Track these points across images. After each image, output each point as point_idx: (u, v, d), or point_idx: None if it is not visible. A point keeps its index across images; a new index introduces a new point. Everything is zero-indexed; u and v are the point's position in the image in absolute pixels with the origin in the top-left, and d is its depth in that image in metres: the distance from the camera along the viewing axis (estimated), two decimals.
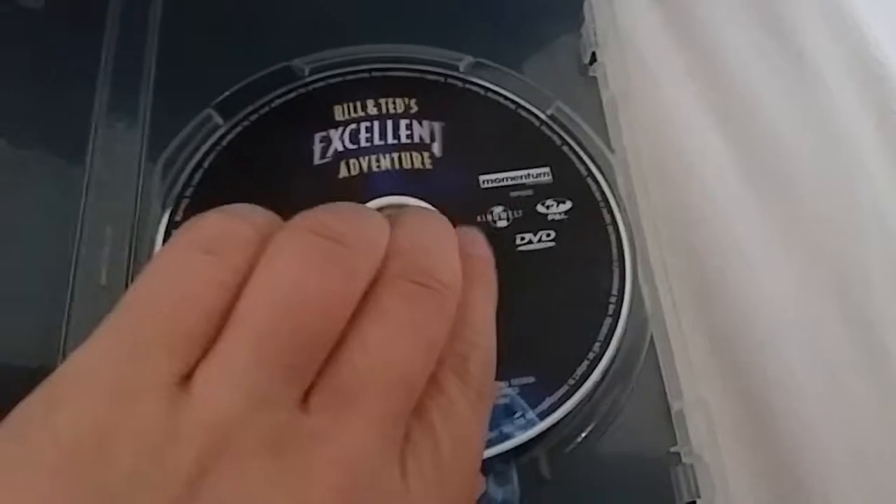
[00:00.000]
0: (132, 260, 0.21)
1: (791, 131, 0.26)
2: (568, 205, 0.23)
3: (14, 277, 0.21)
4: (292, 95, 0.24)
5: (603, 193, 0.23)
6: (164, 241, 0.21)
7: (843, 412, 0.21)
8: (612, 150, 0.24)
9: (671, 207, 0.24)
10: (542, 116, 0.24)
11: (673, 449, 0.20)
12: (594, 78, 0.25)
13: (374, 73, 0.25)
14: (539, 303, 0.21)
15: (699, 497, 0.19)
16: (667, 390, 0.20)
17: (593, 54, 0.25)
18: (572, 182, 0.23)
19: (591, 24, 0.26)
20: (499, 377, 0.15)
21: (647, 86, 0.26)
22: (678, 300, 0.21)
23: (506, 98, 0.25)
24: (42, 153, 0.23)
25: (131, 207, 0.22)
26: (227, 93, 0.24)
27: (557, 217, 0.23)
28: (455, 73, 0.25)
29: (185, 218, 0.22)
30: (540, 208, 0.23)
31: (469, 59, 0.25)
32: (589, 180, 0.23)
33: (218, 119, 0.24)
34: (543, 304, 0.21)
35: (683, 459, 0.19)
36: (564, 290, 0.21)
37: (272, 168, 0.23)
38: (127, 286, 0.20)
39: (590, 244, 0.22)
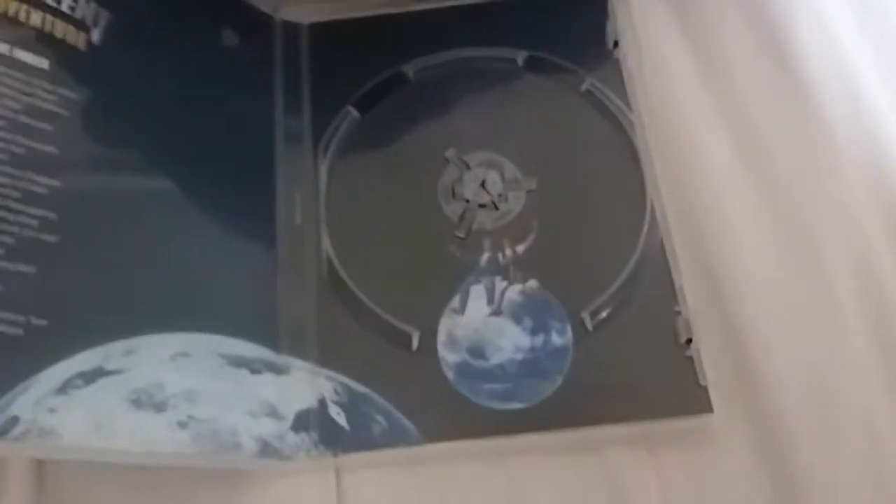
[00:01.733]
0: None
1: (784, 134, 0.33)
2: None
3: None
4: None
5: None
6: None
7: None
8: (630, 111, 0.34)
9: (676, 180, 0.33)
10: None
11: (675, 308, 0.30)
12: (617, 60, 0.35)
13: None
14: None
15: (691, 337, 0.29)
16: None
17: (615, 42, 0.35)
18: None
19: (613, 19, 0.35)
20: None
21: (656, 76, 0.35)
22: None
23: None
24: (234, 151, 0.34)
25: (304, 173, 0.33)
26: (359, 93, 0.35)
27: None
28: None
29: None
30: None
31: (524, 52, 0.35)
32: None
33: (354, 113, 0.35)
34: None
35: (679, 309, 0.30)
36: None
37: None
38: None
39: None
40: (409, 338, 0.30)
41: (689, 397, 0.28)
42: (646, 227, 0.31)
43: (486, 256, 0.31)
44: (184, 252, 0.29)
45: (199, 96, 0.32)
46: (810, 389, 0.29)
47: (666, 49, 0.36)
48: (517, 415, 0.28)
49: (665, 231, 0.31)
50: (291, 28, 0.37)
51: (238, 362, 0.28)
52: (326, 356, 0.30)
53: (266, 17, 0.36)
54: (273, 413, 0.28)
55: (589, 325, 0.30)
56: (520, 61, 0.36)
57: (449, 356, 0.30)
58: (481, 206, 0.33)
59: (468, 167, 0.34)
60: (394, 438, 0.28)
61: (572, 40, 0.36)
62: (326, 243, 0.32)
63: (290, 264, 0.32)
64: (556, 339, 0.29)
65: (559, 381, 0.29)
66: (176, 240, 0.29)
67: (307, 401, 0.29)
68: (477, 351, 0.30)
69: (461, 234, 0.32)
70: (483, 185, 0.33)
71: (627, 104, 0.34)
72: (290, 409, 0.29)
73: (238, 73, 0.34)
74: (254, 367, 0.29)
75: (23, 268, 0.24)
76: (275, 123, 0.34)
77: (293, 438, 0.28)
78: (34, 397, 0.23)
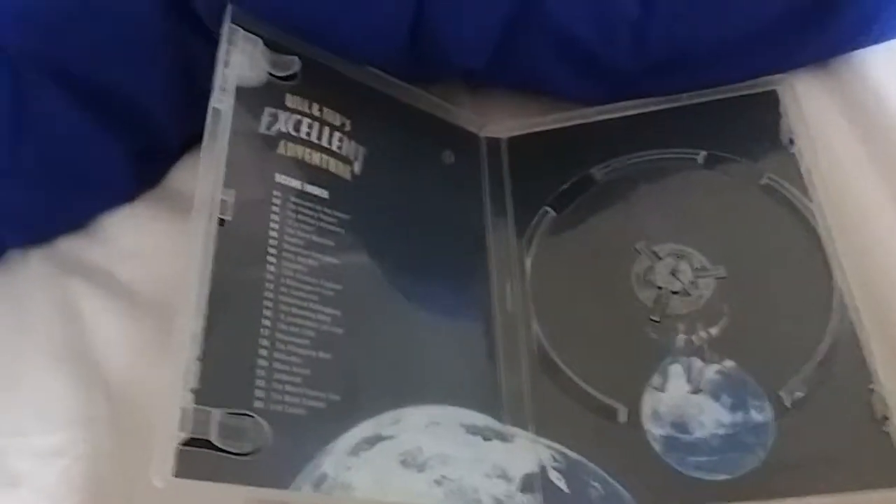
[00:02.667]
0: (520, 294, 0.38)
1: None
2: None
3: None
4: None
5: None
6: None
7: None
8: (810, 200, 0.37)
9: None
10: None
11: (870, 385, 0.32)
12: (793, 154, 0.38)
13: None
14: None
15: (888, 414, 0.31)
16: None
17: (790, 139, 0.39)
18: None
19: (787, 116, 0.39)
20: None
21: (831, 167, 0.38)
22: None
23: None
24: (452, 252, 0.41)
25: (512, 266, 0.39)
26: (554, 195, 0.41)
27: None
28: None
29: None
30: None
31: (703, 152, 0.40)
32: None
33: (551, 212, 0.40)
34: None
35: (874, 387, 0.32)
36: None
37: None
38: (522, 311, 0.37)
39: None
40: (616, 412, 0.35)
41: (888, 470, 0.30)
42: (835, 309, 0.34)
43: (681, 338, 0.35)
44: (429, 339, 0.35)
45: (428, 208, 0.39)
46: None
47: (836, 139, 0.39)
48: (724, 485, 0.31)
49: (855, 312, 0.34)
50: (493, 143, 0.43)
51: (474, 430, 0.34)
52: (543, 426, 0.35)
53: (473, 136, 0.43)
54: (504, 475, 0.33)
55: (787, 403, 0.32)
56: (700, 159, 0.40)
57: (654, 429, 0.34)
58: (674, 292, 0.37)
59: (658, 257, 0.38)
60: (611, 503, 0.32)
61: (748, 138, 0.40)
62: (536, 327, 0.38)
63: (507, 346, 0.37)
64: (756, 416, 0.32)
65: (762, 454, 0.32)
66: (421, 329, 0.35)
67: (530, 465, 0.34)
68: (680, 425, 0.33)
69: (656, 318, 0.36)
70: (674, 273, 0.37)
71: (807, 195, 0.37)
72: (517, 473, 0.34)
73: (455, 185, 0.41)
74: (485, 434, 0.34)
75: (322, 355, 0.31)
76: (485, 226, 0.41)
77: (521, 499, 0.33)
78: (335, 458, 0.29)
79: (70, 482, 0.32)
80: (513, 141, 0.44)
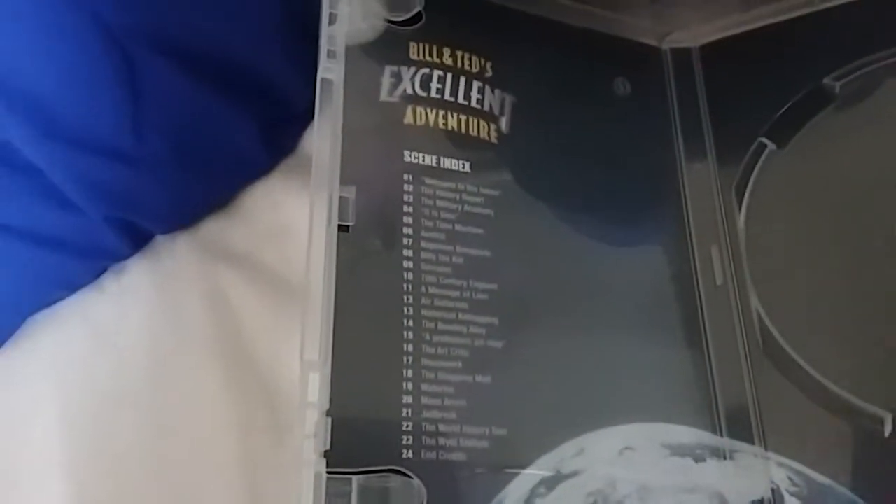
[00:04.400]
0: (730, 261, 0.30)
1: None
2: None
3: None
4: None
5: None
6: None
7: None
8: None
9: None
10: None
11: None
12: None
13: None
14: None
15: None
16: None
17: None
18: None
19: None
20: None
21: None
22: None
23: None
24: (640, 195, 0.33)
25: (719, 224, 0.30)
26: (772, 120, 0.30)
27: None
28: None
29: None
30: None
31: None
32: None
33: (771, 145, 0.30)
34: None
35: None
36: None
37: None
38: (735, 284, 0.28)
39: None
40: (880, 421, 0.26)
41: None
42: None
43: None
44: (610, 340, 0.28)
45: (601, 162, 0.31)
46: None
47: None
48: None
49: None
50: (682, 55, 0.33)
51: (681, 451, 0.27)
52: (774, 438, 0.27)
53: (653, 51, 0.34)
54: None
55: None
56: None
57: None
58: None
59: None
60: None
61: None
62: (756, 303, 0.29)
63: (718, 333, 0.29)
64: None
65: None
66: (604, 326, 0.28)
67: (759, 490, 0.26)
68: None
69: None
70: None
71: None
72: (742, 500, 0.26)
73: (633, 123, 0.32)
74: (697, 454, 0.27)
75: (480, 378, 0.25)
76: (679, 171, 0.32)
77: None
78: None
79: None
80: (706, 49, 0.33)
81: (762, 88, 0.31)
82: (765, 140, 0.30)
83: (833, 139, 0.29)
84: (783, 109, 0.30)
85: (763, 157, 0.30)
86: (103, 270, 0.38)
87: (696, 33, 0.34)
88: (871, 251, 0.28)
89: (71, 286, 0.38)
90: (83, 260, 0.38)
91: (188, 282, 0.37)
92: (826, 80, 0.30)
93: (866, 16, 0.30)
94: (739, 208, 0.30)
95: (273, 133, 0.38)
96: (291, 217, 0.38)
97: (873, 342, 0.27)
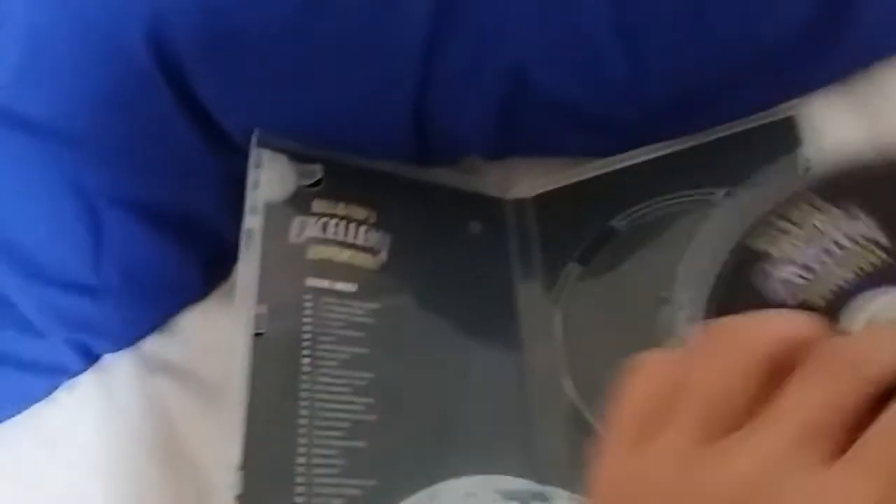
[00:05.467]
0: (551, 355, 0.40)
1: None
2: None
3: None
4: None
5: None
6: None
7: None
8: None
9: None
10: None
11: None
12: None
13: None
14: None
15: None
16: None
17: (807, 168, 0.38)
18: None
19: (804, 145, 0.38)
20: None
21: None
22: None
23: None
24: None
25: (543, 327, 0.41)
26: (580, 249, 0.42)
27: None
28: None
29: None
30: None
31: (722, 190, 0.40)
32: None
33: (578, 267, 0.42)
34: None
35: None
36: None
37: None
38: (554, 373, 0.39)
39: None
40: None
41: None
42: None
43: None
44: (463, 411, 0.37)
45: (457, 281, 0.42)
46: None
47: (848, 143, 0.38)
48: None
49: None
50: (519, 204, 0.45)
51: (511, 496, 0.36)
52: (584, 485, 0.36)
53: (498, 201, 0.45)
54: None
55: None
56: (717, 199, 0.40)
57: None
58: None
59: None
60: None
61: (766, 171, 0.39)
62: (569, 384, 0.39)
63: (541, 405, 0.39)
64: None
65: None
66: (455, 402, 0.38)
67: None
68: None
69: None
70: None
71: None
72: None
73: (483, 254, 0.43)
74: (523, 498, 0.36)
75: (358, 444, 0.34)
76: (514, 288, 0.43)
77: None
78: None
79: None
80: (538, 199, 0.45)
81: (575, 226, 0.43)
82: (574, 263, 0.42)
83: (619, 262, 0.41)
84: (587, 241, 0.42)
85: (572, 275, 0.42)
86: (58, 386, 0.45)
87: (529, 187, 0.46)
88: (643, 344, 0.37)
89: (30, 400, 0.45)
90: (44, 377, 0.45)
91: (132, 394, 0.44)
92: (613, 221, 0.42)
93: (643, 174, 0.43)
94: (556, 313, 0.41)
95: (211, 265, 0.46)
96: (223, 333, 0.44)
97: None
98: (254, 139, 0.39)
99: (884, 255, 0.24)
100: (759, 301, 0.25)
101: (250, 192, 0.38)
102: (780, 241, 0.26)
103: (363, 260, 0.40)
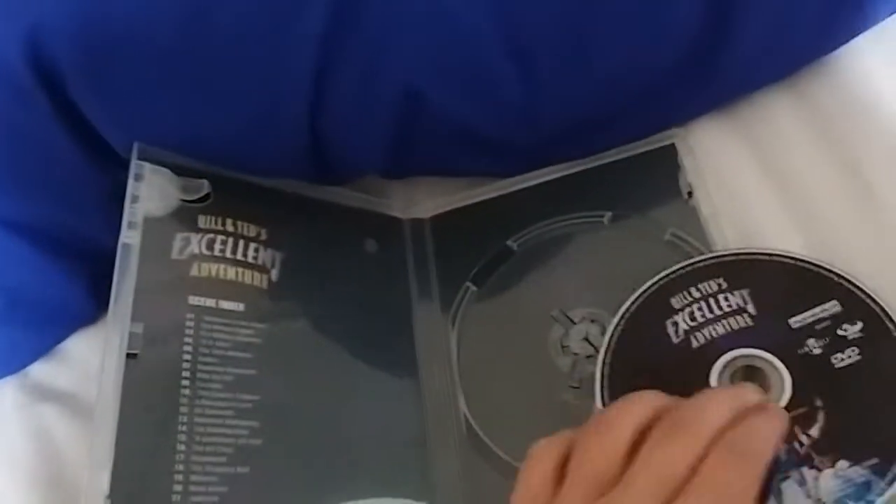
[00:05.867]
0: (448, 373, 0.40)
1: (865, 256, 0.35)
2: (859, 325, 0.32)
3: None
4: None
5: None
6: None
7: None
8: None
9: None
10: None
11: None
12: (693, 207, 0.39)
13: None
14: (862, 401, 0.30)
15: None
16: None
17: (689, 191, 0.39)
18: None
19: (684, 170, 0.40)
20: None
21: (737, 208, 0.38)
22: None
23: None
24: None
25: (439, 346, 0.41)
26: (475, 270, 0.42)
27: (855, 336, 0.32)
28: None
29: None
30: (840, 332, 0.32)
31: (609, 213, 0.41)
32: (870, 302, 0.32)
33: (473, 287, 0.42)
34: (866, 402, 0.30)
35: None
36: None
37: None
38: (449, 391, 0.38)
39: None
40: None
41: None
42: None
43: None
44: (355, 433, 0.36)
45: (352, 300, 0.41)
46: None
47: (745, 183, 0.40)
48: None
49: None
50: (417, 224, 0.45)
51: None
52: None
53: (396, 221, 0.45)
54: None
55: None
56: (606, 221, 0.41)
57: None
58: (588, 357, 0.38)
59: (573, 322, 0.39)
60: None
61: (650, 195, 0.41)
62: (463, 404, 0.39)
63: (435, 426, 0.38)
64: None
65: None
66: (347, 424, 0.36)
67: None
68: None
69: (575, 385, 0.37)
70: (587, 338, 0.38)
71: (707, 246, 0.38)
72: None
73: (379, 273, 0.43)
74: None
75: (240, 469, 0.33)
76: (412, 308, 0.42)
77: None
78: None
79: None
80: (436, 220, 0.45)
81: (472, 247, 0.43)
82: (469, 283, 0.42)
83: (513, 283, 0.41)
84: (482, 262, 0.42)
85: (468, 295, 0.42)
86: None
87: (427, 207, 0.46)
88: (535, 364, 0.39)
89: None
90: None
91: (16, 422, 0.41)
92: (509, 242, 0.42)
93: (538, 196, 0.43)
94: (453, 333, 0.41)
95: (100, 287, 0.43)
96: None
97: (538, 428, 0.36)
98: (134, 151, 0.38)
99: (750, 321, 0.33)
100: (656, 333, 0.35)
101: (128, 205, 0.36)
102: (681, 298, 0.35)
103: (252, 278, 0.38)
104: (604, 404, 0.33)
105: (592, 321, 0.39)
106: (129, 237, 0.35)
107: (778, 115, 0.40)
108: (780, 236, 0.38)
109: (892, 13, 0.39)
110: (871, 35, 0.39)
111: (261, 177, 0.41)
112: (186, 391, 0.33)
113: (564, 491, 0.25)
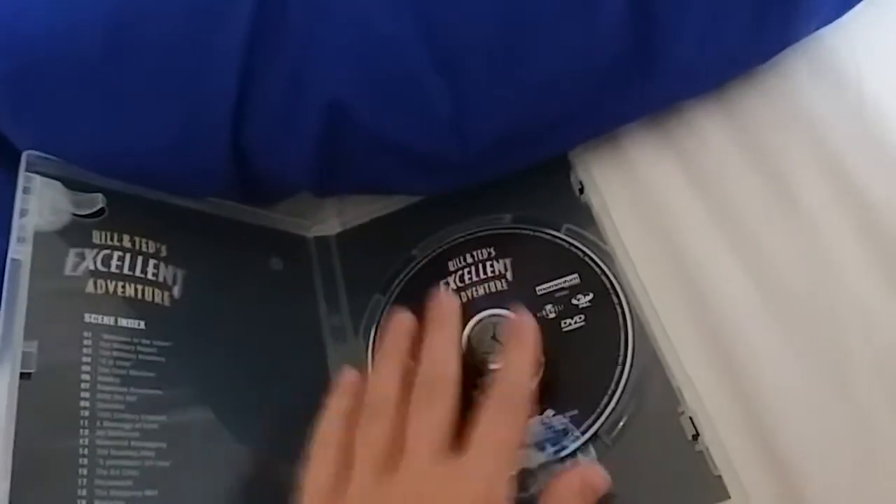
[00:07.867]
0: None
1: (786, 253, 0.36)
2: (590, 296, 0.38)
3: None
4: None
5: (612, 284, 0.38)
6: None
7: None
8: (605, 243, 0.40)
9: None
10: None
11: (678, 409, 0.34)
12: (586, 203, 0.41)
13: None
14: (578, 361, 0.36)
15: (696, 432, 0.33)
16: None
17: (581, 188, 0.42)
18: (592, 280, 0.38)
19: (575, 169, 0.42)
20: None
21: (665, 219, 0.39)
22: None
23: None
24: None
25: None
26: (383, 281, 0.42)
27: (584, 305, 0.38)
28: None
29: None
30: (573, 301, 0.38)
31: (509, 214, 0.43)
32: (603, 277, 0.39)
33: (381, 298, 0.42)
34: (581, 362, 0.36)
35: (682, 410, 0.34)
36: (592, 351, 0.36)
37: None
38: None
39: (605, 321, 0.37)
40: None
41: (706, 487, 0.32)
42: (631, 341, 0.36)
43: None
44: (259, 452, 0.35)
45: (258, 318, 0.40)
46: (833, 474, 0.32)
47: (671, 191, 0.40)
48: None
49: (661, 339, 0.36)
50: (323, 240, 0.45)
51: None
52: None
53: (301, 238, 0.45)
54: None
55: (608, 442, 0.34)
56: (507, 220, 0.43)
57: None
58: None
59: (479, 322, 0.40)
60: None
61: (547, 194, 0.42)
62: None
63: None
64: (582, 459, 0.34)
65: None
66: (254, 441, 0.35)
67: None
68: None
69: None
70: (494, 337, 0.39)
71: (601, 237, 0.40)
72: None
73: (286, 291, 0.42)
74: None
75: (148, 492, 0.31)
76: (321, 324, 0.42)
77: None
78: None
79: None
80: (341, 236, 0.45)
81: (376, 259, 0.44)
82: (379, 294, 0.42)
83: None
84: (388, 272, 0.43)
85: (377, 308, 0.42)
86: None
87: (331, 225, 0.46)
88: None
89: None
90: None
91: None
92: (413, 250, 0.43)
93: (439, 204, 0.44)
94: (365, 347, 0.41)
95: None
96: None
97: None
98: (23, 162, 0.35)
99: (505, 286, 0.40)
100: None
101: (17, 219, 0.34)
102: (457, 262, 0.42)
103: (153, 295, 0.37)
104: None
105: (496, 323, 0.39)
106: (19, 252, 0.33)
107: (705, 127, 0.41)
108: (707, 248, 0.38)
109: (820, 26, 0.40)
110: (799, 47, 0.40)
111: (186, 196, 0.39)
112: (86, 412, 0.31)
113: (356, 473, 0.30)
